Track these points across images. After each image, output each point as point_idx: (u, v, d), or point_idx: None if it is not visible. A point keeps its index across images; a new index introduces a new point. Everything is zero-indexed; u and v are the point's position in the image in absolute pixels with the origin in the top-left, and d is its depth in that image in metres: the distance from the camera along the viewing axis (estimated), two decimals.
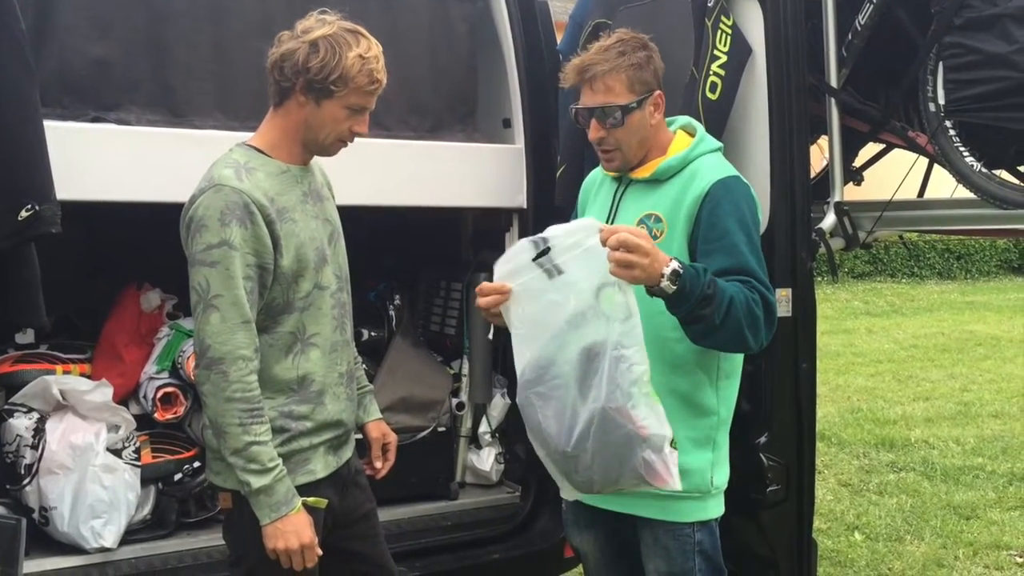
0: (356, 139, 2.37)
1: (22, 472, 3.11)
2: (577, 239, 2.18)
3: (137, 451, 3.25)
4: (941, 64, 3.00)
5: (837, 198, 3.39)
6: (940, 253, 16.29)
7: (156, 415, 3.35)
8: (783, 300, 2.84)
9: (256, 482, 2.18)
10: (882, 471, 6.05)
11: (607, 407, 2.14)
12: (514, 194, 3.64)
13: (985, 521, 5.13)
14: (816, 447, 3.21)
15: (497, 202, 3.66)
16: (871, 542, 4.86)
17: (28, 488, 3.12)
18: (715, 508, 2.46)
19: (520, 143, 3.66)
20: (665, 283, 2.10)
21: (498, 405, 3.98)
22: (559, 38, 3.77)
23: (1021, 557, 4.69)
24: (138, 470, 3.23)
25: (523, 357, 2.29)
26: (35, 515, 3.11)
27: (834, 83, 3.35)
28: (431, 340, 4.14)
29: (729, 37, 2.96)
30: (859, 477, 5.94)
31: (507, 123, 3.74)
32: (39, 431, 3.12)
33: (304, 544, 2.22)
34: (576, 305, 2.20)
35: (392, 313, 4.04)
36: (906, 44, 3.19)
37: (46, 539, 3.13)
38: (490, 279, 2.34)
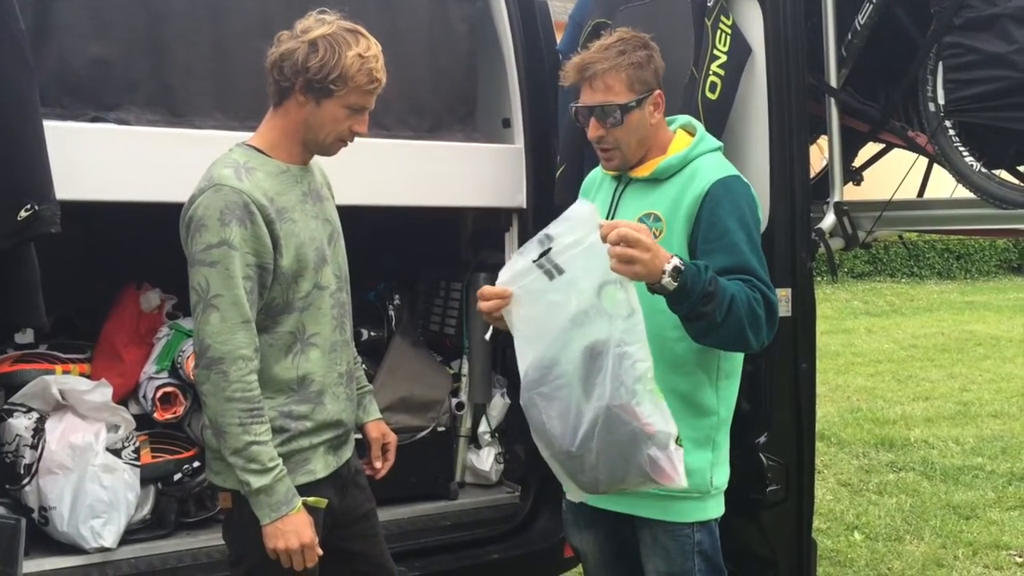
0: (356, 139, 2.37)
1: (21, 472, 3.11)
2: (578, 237, 2.18)
3: (136, 451, 3.25)
4: (941, 64, 3.00)
5: (837, 198, 3.39)
6: (940, 253, 16.29)
7: (155, 415, 3.35)
8: (783, 300, 2.84)
9: (256, 482, 2.18)
10: (882, 471, 6.05)
11: (611, 405, 2.12)
12: (514, 194, 3.64)
13: (985, 521, 5.13)
14: (816, 447, 3.21)
15: (497, 202, 3.65)
16: (871, 542, 4.86)
17: (27, 488, 3.12)
18: (715, 508, 2.46)
19: (520, 143, 3.66)
20: (667, 279, 2.09)
21: (497, 405, 3.98)
22: (559, 38, 3.77)
23: (1020, 557, 4.69)
24: (137, 470, 3.23)
25: (526, 358, 2.29)
26: (34, 515, 3.11)
27: (834, 83, 3.35)
28: (431, 340, 4.14)
29: (729, 37, 2.96)
30: (859, 477, 5.94)
31: (507, 123, 3.74)
32: (39, 431, 3.12)
33: (304, 544, 2.22)
34: (578, 304, 2.19)
35: (392, 313, 4.04)
36: (906, 44, 3.19)
37: (45, 539, 3.13)
38: (489, 279, 2.34)
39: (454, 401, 3.91)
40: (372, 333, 3.97)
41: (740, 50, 2.98)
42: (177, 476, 3.37)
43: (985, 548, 4.77)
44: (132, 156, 2.98)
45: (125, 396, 3.45)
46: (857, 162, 3.89)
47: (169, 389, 3.37)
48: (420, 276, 4.30)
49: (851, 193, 3.55)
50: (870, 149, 3.84)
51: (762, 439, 2.93)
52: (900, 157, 3.62)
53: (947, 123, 3.03)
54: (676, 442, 2.15)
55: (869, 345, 10.43)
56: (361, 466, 2.60)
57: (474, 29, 3.67)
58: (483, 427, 3.98)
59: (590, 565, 2.70)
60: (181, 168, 2.66)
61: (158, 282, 3.64)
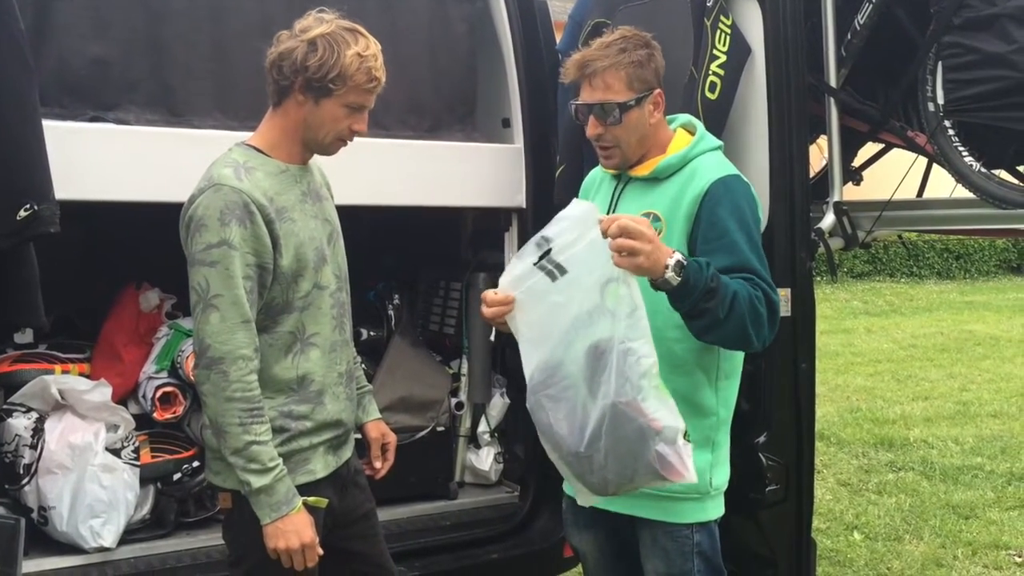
0: (356, 139, 2.37)
1: (21, 472, 3.11)
2: (578, 233, 2.17)
3: (136, 451, 3.25)
4: (940, 64, 3.00)
5: (836, 198, 3.40)
6: (939, 253, 16.30)
7: (155, 415, 3.35)
8: (782, 300, 2.83)
9: (256, 482, 2.17)
10: (881, 471, 6.05)
11: (617, 402, 2.11)
12: (513, 194, 3.64)
13: (984, 521, 5.13)
14: (815, 447, 3.21)
15: (496, 202, 3.65)
16: (870, 542, 4.86)
17: (27, 488, 3.12)
18: (714, 509, 2.45)
19: (519, 143, 3.66)
20: (670, 274, 2.09)
21: (497, 405, 3.98)
22: (558, 38, 3.77)
23: (1020, 556, 4.69)
24: (137, 470, 3.23)
25: (531, 361, 2.28)
26: (34, 515, 3.11)
27: (833, 83, 3.35)
28: (430, 340, 4.14)
29: (728, 37, 2.96)
30: (858, 477, 5.94)
31: (506, 123, 3.74)
32: (38, 431, 3.12)
33: (305, 544, 2.22)
34: (581, 304, 2.18)
35: (391, 313, 4.04)
36: (905, 44, 3.19)
37: (45, 539, 3.13)
38: (489, 279, 2.33)
39: (453, 401, 3.91)
40: (372, 333, 3.97)
41: (740, 50, 2.98)
42: (176, 476, 3.37)
43: (984, 548, 4.77)
44: (132, 156, 2.98)
45: (124, 396, 3.45)
46: (857, 162, 3.89)
47: (169, 389, 3.37)
48: (420, 276, 4.30)
49: (851, 193, 3.55)
50: (870, 149, 3.84)
51: (762, 439, 2.93)
52: (899, 157, 3.62)
53: (946, 123, 3.03)
54: (684, 437, 2.13)
55: (868, 345, 10.43)
56: (361, 466, 2.60)
57: (474, 29, 3.67)
58: (482, 427, 3.98)
59: (590, 565, 2.70)
60: (181, 168, 2.66)
61: (157, 282, 3.64)
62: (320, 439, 2.36)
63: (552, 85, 3.61)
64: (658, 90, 2.41)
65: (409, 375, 3.83)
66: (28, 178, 2.59)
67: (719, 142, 2.51)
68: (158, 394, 3.35)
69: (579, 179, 2.83)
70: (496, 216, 3.71)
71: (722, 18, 2.96)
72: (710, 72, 2.93)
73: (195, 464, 3.38)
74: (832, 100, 3.35)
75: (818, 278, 11.68)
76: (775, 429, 2.96)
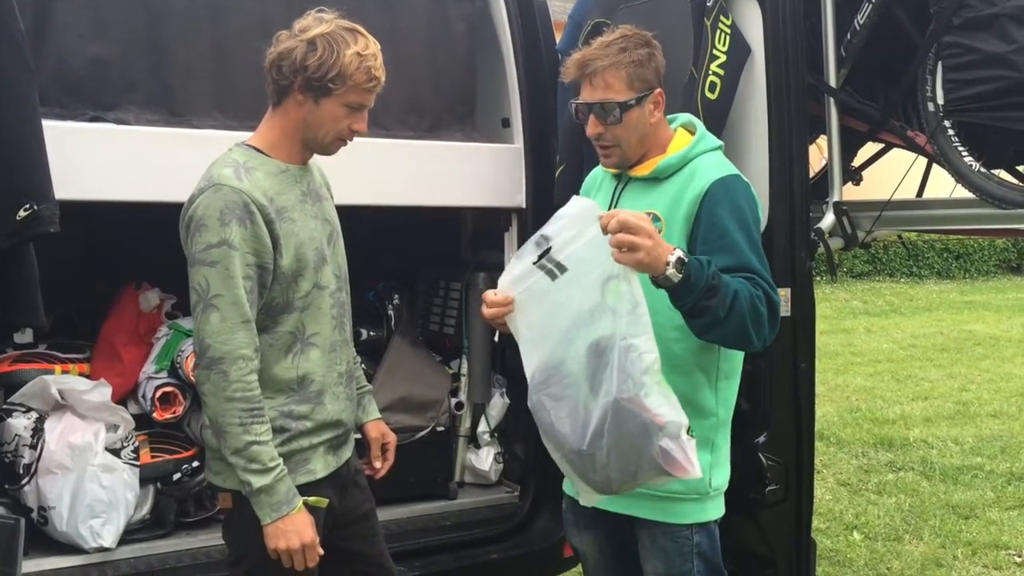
0: (355, 139, 2.37)
1: (21, 472, 3.11)
2: (578, 231, 2.16)
3: (136, 451, 3.25)
4: (940, 64, 3.00)
5: (836, 198, 3.40)
6: (939, 253, 16.30)
7: (155, 415, 3.35)
8: (782, 300, 2.84)
9: (257, 482, 2.18)
10: (881, 471, 6.05)
11: (619, 398, 2.10)
12: (513, 194, 3.64)
13: (984, 521, 5.13)
14: (815, 447, 3.21)
15: (496, 202, 3.65)
16: (870, 542, 4.86)
17: (27, 488, 3.12)
18: (714, 510, 2.45)
19: (519, 143, 3.66)
20: (671, 271, 2.08)
21: (497, 405, 3.98)
22: (558, 37, 3.77)
23: (1020, 556, 4.69)
24: (137, 470, 3.23)
25: (532, 361, 2.27)
26: (34, 515, 3.11)
27: (833, 83, 3.35)
28: (430, 340, 4.14)
29: (728, 37, 2.96)
30: (858, 477, 5.94)
31: (506, 123, 3.74)
32: (38, 431, 3.12)
33: (305, 543, 2.22)
34: (581, 302, 2.17)
35: (391, 313, 4.04)
36: (905, 44, 3.19)
37: (45, 539, 3.13)
38: (489, 279, 2.33)
39: (453, 401, 3.91)
40: (371, 333, 3.97)
41: (739, 50, 2.98)
42: (176, 476, 3.37)
43: (984, 548, 4.77)
44: (131, 156, 2.98)
45: (124, 396, 3.45)
46: (856, 162, 3.89)
47: (168, 389, 3.37)
48: (419, 276, 4.30)
49: (850, 193, 3.55)
50: (869, 149, 3.84)
51: (761, 439, 2.93)
52: (899, 157, 3.62)
53: (946, 123, 3.03)
54: (687, 432, 2.11)
55: (868, 345, 10.43)
56: (361, 466, 2.60)
57: (473, 29, 3.67)
58: (482, 427, 3.98)
59: (589, 565, 2.70)
60: (180, 168, 2.66)
61: (157, 282, 3.64)
62: (320, 439, 2.36)
63: (552, 85, 3.61)
64: (658, 90, 2.41)
65: (409, 375, 3.83)
66: (28, 178, 2.59)
67: (719, 142, 2.50)
68: (158, 394, 3.35)
69: (579, 179, 2.83)
70: (496, 216, 3.71)
71: (722, 18, 2.96)
72: (710, 72, 2.93)
73: (195, 464, 3.38)
74: (832, 100, 3.35)
75: (818, 278, 11.69)
76: (775, 429, 2.96)
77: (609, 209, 2.49)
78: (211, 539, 3.22)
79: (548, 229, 2.20)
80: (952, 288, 15.23)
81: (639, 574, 2.51)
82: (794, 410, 3.02)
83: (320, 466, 2.36)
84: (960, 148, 3.02)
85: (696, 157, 2.42)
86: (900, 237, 6.09)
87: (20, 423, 3.12)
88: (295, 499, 2.23)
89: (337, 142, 2.34)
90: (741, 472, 2.62)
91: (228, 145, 2.33)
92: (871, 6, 3.22)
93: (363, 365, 2.77)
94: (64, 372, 3.34)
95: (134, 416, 3.33)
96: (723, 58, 2.94)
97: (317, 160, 2.43)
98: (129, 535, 3.22)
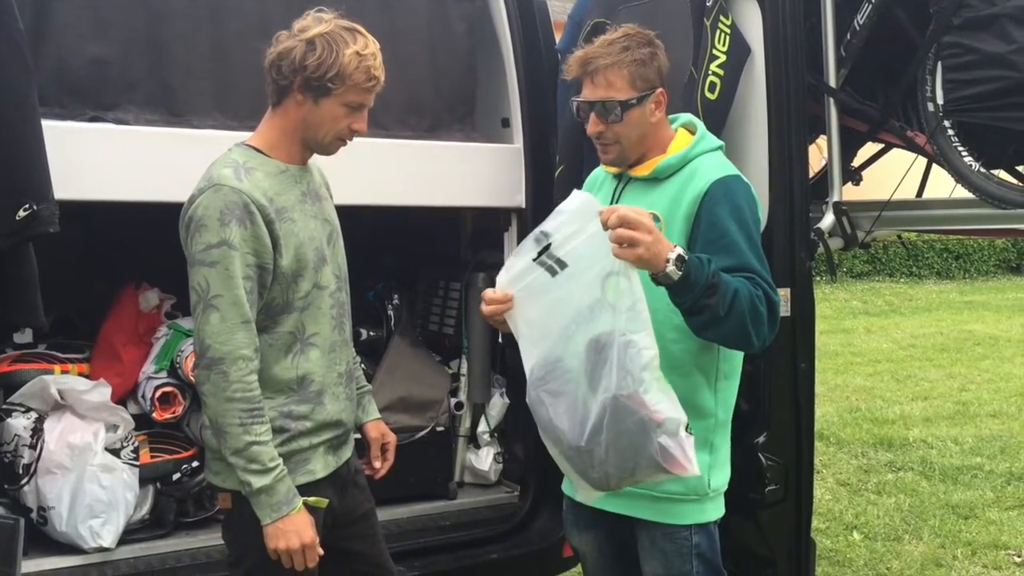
0: (355, 139, 2.36)
1: (20, 472, 3.10)
2: (578, 226, 2.15)
3: (135, 451, 3.25)
4: (940, 64, 3.00)
5: (836, 198, 3.40)
6: (939, 253, 16.30)
7: (154, 415, 3.35)
8: (782, 300, 2.84)
9: (257, 482, 2.18)
10: (880, 471, 6.05)
11: (618, 395, 2.09)
12: (513, 194, 3.64)
13: (983, 521, 5.13)
14: (814, 447, 3.21)
15: (496, 202, 3.65)
16: (869, 542, 4.86)
17: (26, 488, 3.11)
18: (713, 511, 2.44)
19: (519, 143, 3.66)
20: (671, 268, 2.07)
21: (496, 405, 3.98)
22: (558, 37, 3.77)
23: (1019, 556, 4.69)
24: (136, 470, 3.23)
25: (531, 357, 2.27)
26: (33, 515, 3.11)
27: (833, 83, 3.35)
28: (429, 340, 4.14)
29: (728, 37, 2.96)
30: (857, 477, 5.94)
31: (506, 123, 3.74)
32: (37, 431, 3.12)
33: (305, 544, 2.22)
34: (581, 299, 2.16)
35: (391, 313, 4.04)
36: (905, 44, 3.19)
37: (44, 539, 3.13)
38: (488, 279, 2.32)
39: (453, 401, 3.91)
40: (371, 333, 3.97)
41: (739, 50, 2.98)
42: (176, 476, 3.37)
43: (984, 548, 4.77)
44: (131, 156, 2.98)
45: (124, 396, 3.45)
46: (856, 162, 3.89)
47: (168, 389, 3.36)
48: (419, 276, 4.30)
49: (850, 193, 3.55)
50: (869, 149, 3.84)
51: (761, 439, 2.93)
52: (899, 157, 3.62)
53: (946, 123, 3.03)
54: (686, 429, 2.11)
55: (868, 345, 10.43)
56: (360, 466, 2.60)
57: (473, 28, 3.67)
58: (482, 427, 3.98)
59: (589, 566, 2.70)
60: (180, 168, 2.66)
61: (157, 282, 3.64)
62: (320, 439, 2.36)
63: (551, 85, 3.61)
64: (660, 89, 2.40)
65: (408, 375, 3.83)
66: (27, 178, 2.59)
67: (720, 142, 2.50)
68: (157, 394, 3.35)
69: (578, 180, 2.82)
70: (495, 216, 3.71)
71: (722, 18, 2.96)
72: (710, 72, 2.93)
73: (194, 464, 3.38)
74: (831, 100, 3.35)
75: (817, 278, 11.68)
76: (774, 429, 2.96)
77: None
78: (211, 539, 3.22)
79: (548, 225, 2.20)
80: (952, 288, 15.23)
81: (639, 575, 2.51)
82: (794, 410, 3.02)
83: (320, 466, 2.36)
84: (960, 148, 3.02)
85: (696, 157, 2.42)
86: (900, 237, 6.08)
87: (19, 423, 3.11)
88: (295, 499, 2.23)
89: (337, 142, 2.34)
90: (741, 472, 2.62)
91: (228, 145, 2.33)
92: (871, 6, 3.22)
93: (363, 365, 2.77)
94: (64, 372, 3.34)
95: (134, 416, 3.33)
96: (723, 58, 2.94)
97: (317, 160, 2.43)
98: (129, 535, 3.22)
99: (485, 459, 3.94)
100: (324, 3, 2.31)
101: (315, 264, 2.31)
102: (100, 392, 3.20)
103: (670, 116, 2.51)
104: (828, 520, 5.15)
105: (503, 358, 3.96)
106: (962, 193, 3.13)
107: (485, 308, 2.30)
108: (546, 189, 3.53)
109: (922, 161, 3.55)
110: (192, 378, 2.97)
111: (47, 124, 2.68)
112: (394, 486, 3.11)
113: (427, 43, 3.56)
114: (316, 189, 2.40)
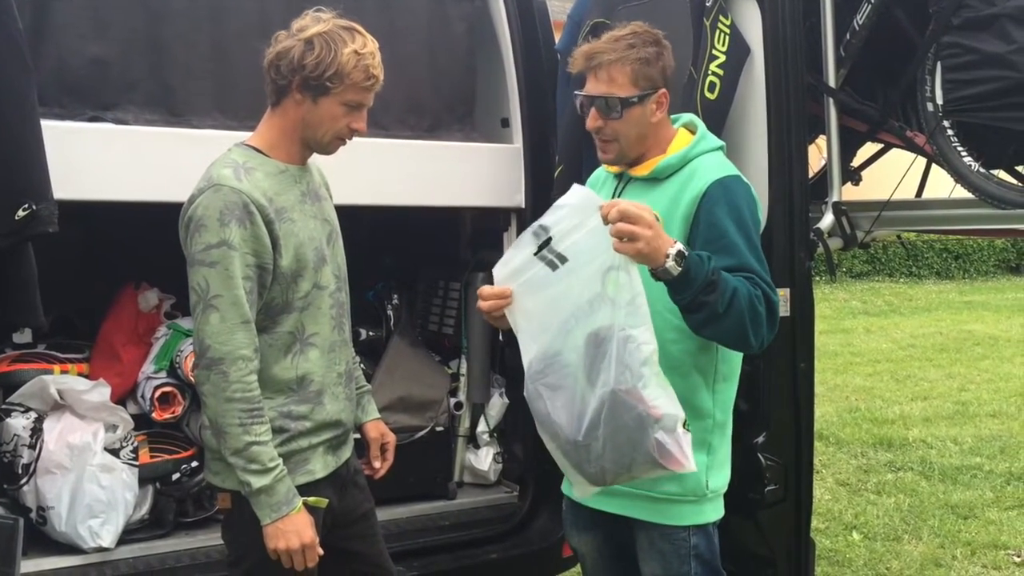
0: (355, 138, 2.36)
1: (19, 472, 3.10)
2: (578, 221, 2.15)
3: (135, 451, 3.25)
4: (939, 64, 3.00)
5: (835, 198, 3.39)
6: (938, 253, 16.31)
7: (154, 415, 3.35)
8: (782, 300, 2.84)
9: (257, 482, 2.17)
10: (880, 471, 6.05)
11: (617, 389, 2.08)
12: (512, 194, 3.64)
13: (983, 520, 5.13)
14: (814, 447, 3.21)
15: (495, 202, 3.65)
16: (869, 542, 4.86)
17: (26, 488, 3.11)
18: (712, 512, 2.43)
19: (518, 143, 3.66)
20: (670, 263, 2.07)
21: (496, 405, 3.98)
22: (558, 37, 3.77)
23: (1019, 556, 4.69)
24: (136, 470, 3.23)
25: (529, 351, 2.26)
26: (32, 515, 3.11)
27: (832, 83, 3.35)
28: (429, 340, 4.14)
29: (727, 37, 2.96)
30: (857, 477, 5.94)
31: (505, 123, 3.74)
32: (37, 431, 3.11)
33: (305, 544, 2.22)
34: (581, 293, 2.16)
35: (390, 313, 4.04)
36: (904, 44, 3.19)
37: (44, 539, 3.13)
38: (488, 279, 2.32)
39: (452, 401, 3.91)
40: (371, 333, 3.97)
41: (739, 50, 2.98)
42: (175, 476, 3.37)
43: (983, 548, 4.77)
44: (131, 156, 2.98)
45: (123, 396, 3.45)
46: (856, 162, 3.89)
47: (167, 389, 3.36)
48: (419, 276, 4.30)
49: (849, 193, 3.55)
50: (868, 149, 3.84)
51: (760, 439, 2.93)
52: (898, 157, 3.62)
53: (945, 123, 3.03)
54: (683, 425, 2.10)
55: (867, 345, 10.43)
56: (360, 466, 2.60)
57: (473, 28, 3.67)
58: (481, 427, 3.98)
59: (588, 566, 2.70)
60: (180, 168, 2.67)
61: (156, 282, 3.64)
62: (319, 439, 2.36)
63: (551, 85, 3.61)
64: (663, 90, 2.39)
65: (408, 375, 3.83)
66: (27, 178, 2.59)
67: (720, 142, 2.49)
68: (157, 394, 3.35)
69: (578, 180, 2.80)
70: (495, 216, 3.71)
71: (721, 18, 2.95)
72: (709, 72, 2.93)
73: (194, 464, 3.37)
74: (831, 100, 3.35)
75: (817, 278, 11.67)
76: (774, 429, 2.96)
77: None
78: (210, 539, 3.22)
79: (547, 219, 2.19)
80: (951, 288, 15.24)
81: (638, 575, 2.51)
82: (793, 410, 3.02)
83: (319, 466, 2.36)
84: (959, 148, 3.02)
85: (696, 157, 2.41)
86: (899, 237, 6.06)
87: (19, 423, 3.11)
88: (295, 499, 2.23)
89: (336, 141, 2.34)
90: (740, 472, 2.62)
91: (228, 145, 2.33)
92: (870, 6, 3.22)
93: (362, 365, 2.77)
94: (63, 372, 3.34)
95: (133, 416, 3.33)
96: (722, 58, 2.94)
97: (316, 160, 2.43)
98: (128, 535, 3.21)
99: (484, 459, 3.94)
100: (323, 3, 2.31)
101: (315, 264, 2.31)
102: (99, 392, 3.20)
103: (672, 116, 2.51)
104: (828, 520, 5.15)
105: (503, 358, 3.96)
106: (962, 193, 3.13)
107: (483, 304, 2.30)
108: (545, 189, 3.52)
109: (921, 161, 3.55)
110: (192, 378, 2.97)
111: (47, 124, 2.68)
112: (394, 486, 3.11)
113: (427, 43, 3.56)
114: (316, 189, 2.40)
